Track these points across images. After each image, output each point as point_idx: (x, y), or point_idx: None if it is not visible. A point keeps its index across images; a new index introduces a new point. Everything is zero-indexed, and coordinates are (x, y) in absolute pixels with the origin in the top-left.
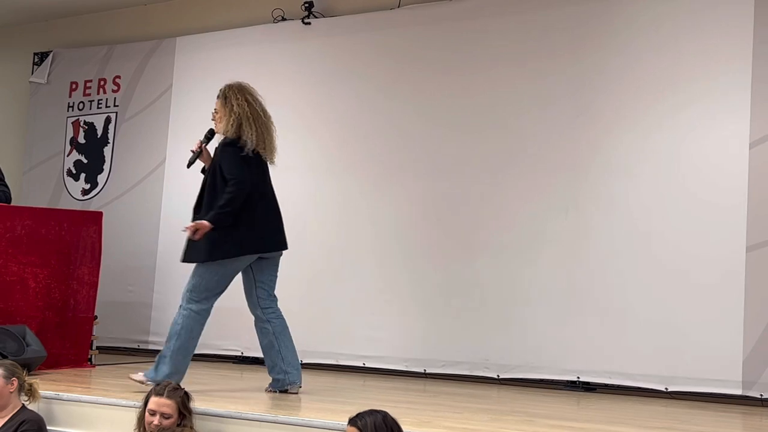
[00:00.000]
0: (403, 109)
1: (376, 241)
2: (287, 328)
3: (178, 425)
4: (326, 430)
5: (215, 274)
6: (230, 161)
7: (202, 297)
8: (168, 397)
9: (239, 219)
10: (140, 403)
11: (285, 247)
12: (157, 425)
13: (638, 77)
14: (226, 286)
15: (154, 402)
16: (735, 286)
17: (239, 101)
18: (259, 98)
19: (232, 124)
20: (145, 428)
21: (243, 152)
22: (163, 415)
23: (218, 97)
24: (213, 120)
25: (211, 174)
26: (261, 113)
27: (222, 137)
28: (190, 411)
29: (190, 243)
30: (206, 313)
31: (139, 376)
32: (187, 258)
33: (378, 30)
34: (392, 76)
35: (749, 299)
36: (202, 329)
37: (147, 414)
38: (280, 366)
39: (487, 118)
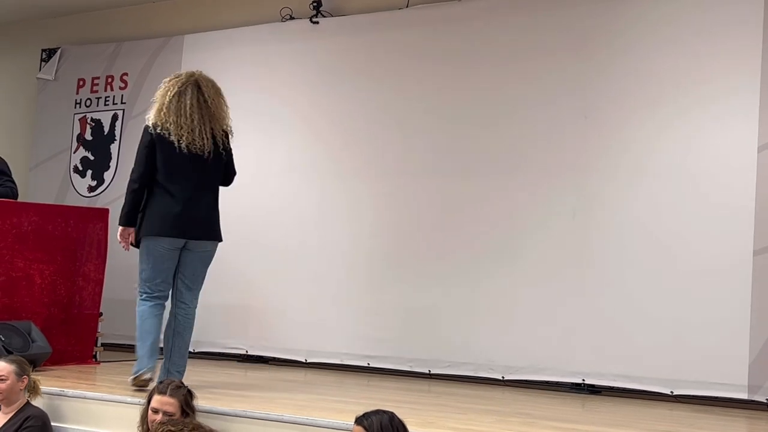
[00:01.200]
0: (412, 109)
1: (383, 242)
2: (190, 328)
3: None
4: (331, 430)
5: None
6: (137, 149)
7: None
8: (171, 395)
9: (151, 204)
10: (144, 401)
11: (202, 238)
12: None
13: (645, 78)
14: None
15: (157, 400)
16: (742, 289)
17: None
18: (206, 90)
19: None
20: (148, 427)
21: (150, 138)
22: (166, 413)
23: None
24: None
25: None
26: (188, 102)
27: None
28: (193, 409)
29: None
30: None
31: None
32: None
33: (386, 30)
34: (400, 76)
35: (756, 303)
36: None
37: (150, 412)
38: (166, 362)
39: (495, 119)
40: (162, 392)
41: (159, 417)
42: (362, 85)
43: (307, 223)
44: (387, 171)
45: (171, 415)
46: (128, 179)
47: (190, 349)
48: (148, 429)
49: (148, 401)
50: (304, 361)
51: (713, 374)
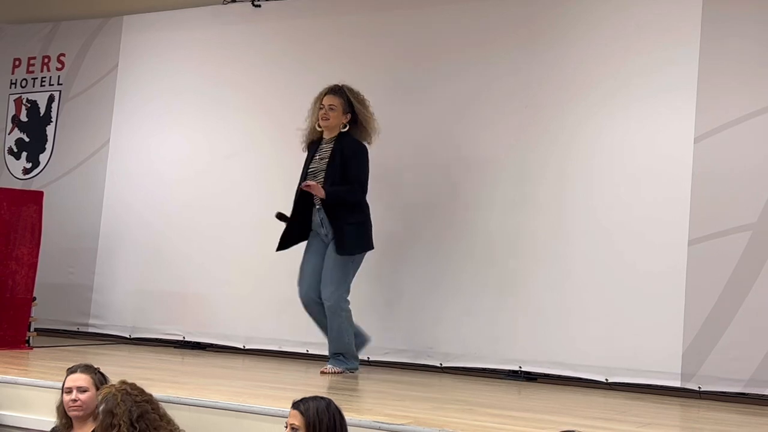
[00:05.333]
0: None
1: None
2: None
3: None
4: (267, 416)
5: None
6: (365, 164)
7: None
8: (82, 372)
9: (366, 222)
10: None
11: None
12: (74, 400)
13: (584, 69)
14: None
15: (69, 379)
16: (676, 279)
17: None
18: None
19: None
20: (67, 417)
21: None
22: (80, 389)
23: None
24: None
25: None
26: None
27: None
28: None
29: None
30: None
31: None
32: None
33: (328, 13)
34: (342, 59)
35: (690, 292)
36: None
37: (64, 396)
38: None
39: (436, 102)
40: (73, 371)
41: (73, 395)
42: (304, 68)
43: (247, 208)
44: None
45: (85, 391)
46: (359, 188)
47: (126, 335)
48: (68, 420)
49: (62, 390)
50: (242, 347)
51: (647, 362)
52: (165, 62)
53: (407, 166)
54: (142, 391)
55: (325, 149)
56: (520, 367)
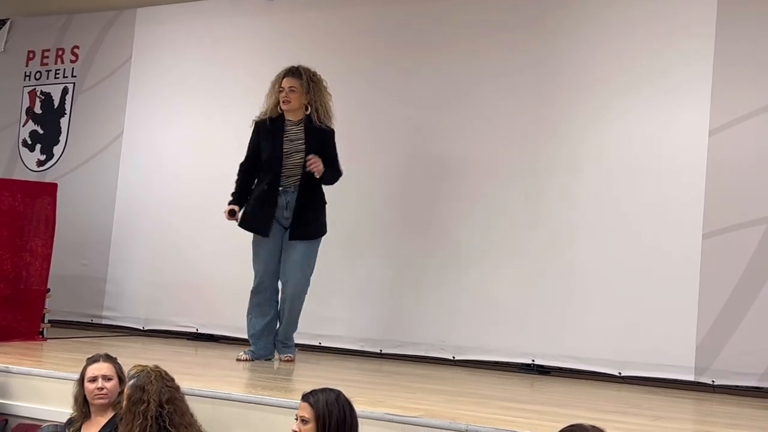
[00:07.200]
0: (366, 86)
1: (333, 220)
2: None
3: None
4: (279, 408)
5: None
6: None
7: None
8: (105, 361)
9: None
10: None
11: None
12: (100, 388)
13: (599, 61)
14: None
15: (92, 368)
16: (690, 272)
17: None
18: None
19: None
20: (85, 406)
21: None
22: (105, 377)
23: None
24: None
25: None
26: None
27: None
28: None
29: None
30: None
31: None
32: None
33: (340, 7)
34: (353, 54)
35: (704, 286)
36: None
37: (87, 384)
38: None
39: (448, 98)
40: (95, 360)
41: (99, 383)
42: (315, 61)
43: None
44: (344, 147)
45: (110, 379)
46: (339, 171)
47: (139, 327)
48: (88, 409)
49: (81, 379)
50: None
51: (661, 356)
52: (178, 54)
53: (419, 158)
54: (173, 380)
55: (294, 131)
56: (533, 361)
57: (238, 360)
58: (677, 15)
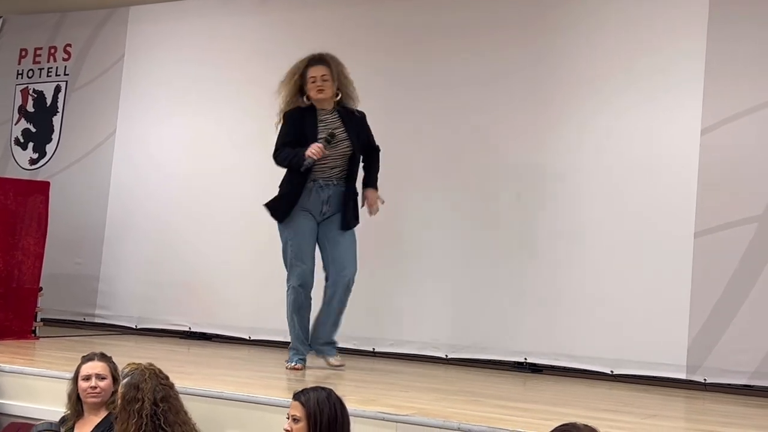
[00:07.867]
0: (361, 83)
1: None
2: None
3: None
4: (270, 407)
5: None
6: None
7: None
8: (99, 360)
9: None
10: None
11: None
12: (93, 387)
13: (593, 60)
14: None
15: (86, 367)
16: (682, 271)
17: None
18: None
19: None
20: (78, 405)
21: None
22: (98, 376)
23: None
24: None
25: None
26: None
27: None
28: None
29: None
30: None
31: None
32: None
33: (334, 5)
34: (349, 50)
35: (696, 285)
36: None
37: (81, 383)
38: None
39: (445, 92)
40: (90, 359)
41: (92, 381)
42: None
43: (255, 198)
44: None
45: (103, 378)
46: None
47: (132, 325)
48: (81, 407)
49: (76, 378)
50: (247, 338)
51: (653, 354)
52: (171, 53)
53: (418, 156)
54: (167, 378)
55: (330, 119)
56: (526, 359)
57: (295, 369)
58: (669, 15)
